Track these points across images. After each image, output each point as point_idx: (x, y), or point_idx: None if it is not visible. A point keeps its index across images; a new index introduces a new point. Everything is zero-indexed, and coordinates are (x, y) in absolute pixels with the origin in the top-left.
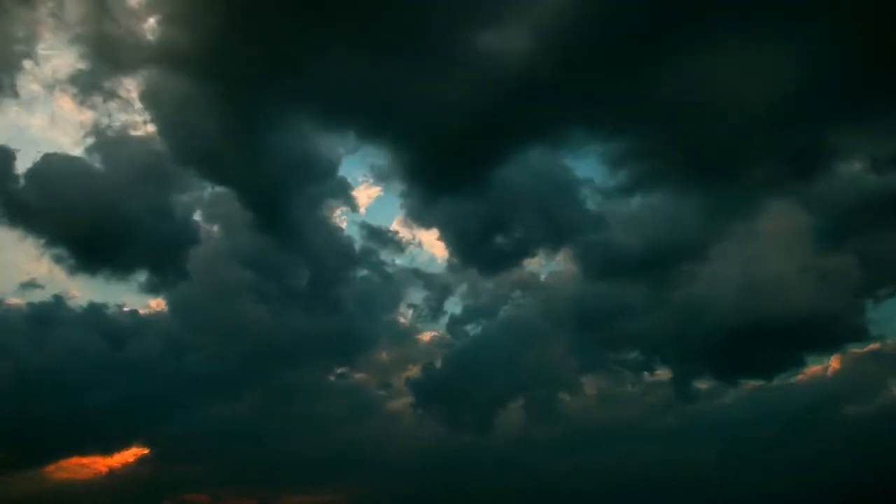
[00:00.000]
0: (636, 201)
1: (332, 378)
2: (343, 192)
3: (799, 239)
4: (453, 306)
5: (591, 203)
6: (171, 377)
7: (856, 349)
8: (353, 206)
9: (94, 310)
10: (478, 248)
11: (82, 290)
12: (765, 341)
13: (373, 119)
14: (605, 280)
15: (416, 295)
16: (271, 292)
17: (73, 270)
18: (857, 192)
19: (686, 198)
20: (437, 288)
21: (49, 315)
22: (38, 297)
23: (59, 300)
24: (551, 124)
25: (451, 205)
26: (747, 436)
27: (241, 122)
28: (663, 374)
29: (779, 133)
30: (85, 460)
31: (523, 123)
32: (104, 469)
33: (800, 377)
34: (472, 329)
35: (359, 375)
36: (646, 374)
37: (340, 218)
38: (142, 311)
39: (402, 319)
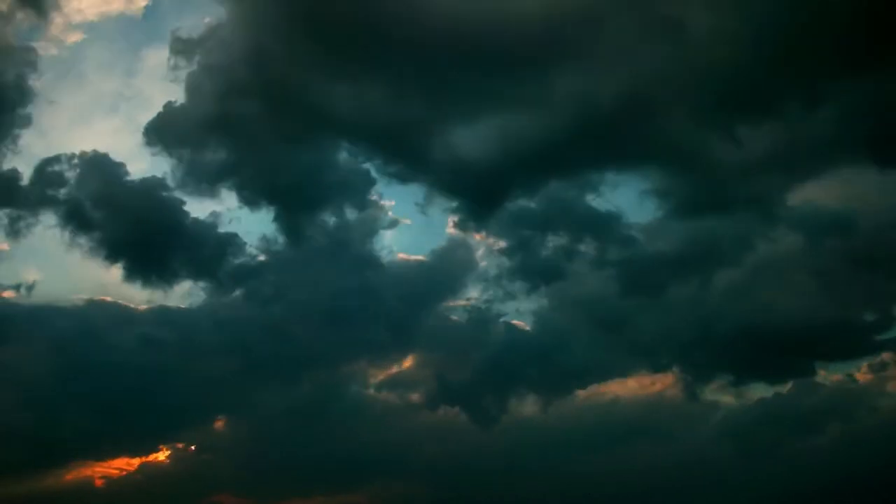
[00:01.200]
0: (661, 221)
1: (366, 383)
2: (384, 212)
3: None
4: (486, 313)
5: (622, 222)
6: (202, 380)
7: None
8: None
9: (129, 312)
10: (521, 261)
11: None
12: (781, 347)
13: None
14: (631, 289)
15: (447, 304)
16: (309, 300)
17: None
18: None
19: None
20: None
21: (85, 316)
22: (80, 298)
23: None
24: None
25: (495, 222)
26: (764, 439)
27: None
28: (681, 376)
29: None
30: (116, 461)
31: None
32: (133, 468)
33: (821, 382)
34: (499, 335)
35: (392, 380)
36: (664, 375)
37: (380, 233)
38: (180, 314)
39: (431, 325)
